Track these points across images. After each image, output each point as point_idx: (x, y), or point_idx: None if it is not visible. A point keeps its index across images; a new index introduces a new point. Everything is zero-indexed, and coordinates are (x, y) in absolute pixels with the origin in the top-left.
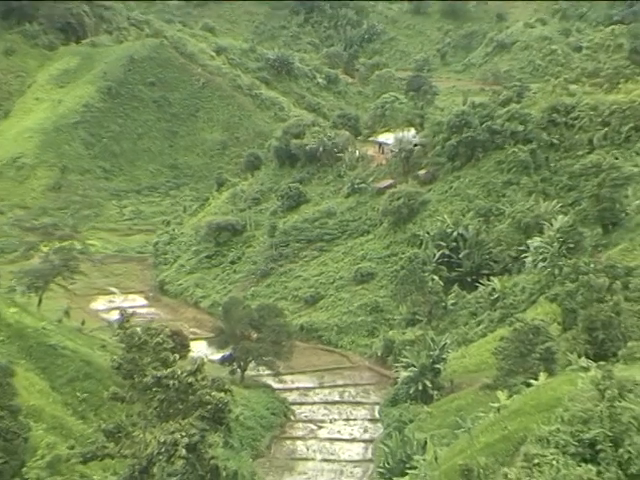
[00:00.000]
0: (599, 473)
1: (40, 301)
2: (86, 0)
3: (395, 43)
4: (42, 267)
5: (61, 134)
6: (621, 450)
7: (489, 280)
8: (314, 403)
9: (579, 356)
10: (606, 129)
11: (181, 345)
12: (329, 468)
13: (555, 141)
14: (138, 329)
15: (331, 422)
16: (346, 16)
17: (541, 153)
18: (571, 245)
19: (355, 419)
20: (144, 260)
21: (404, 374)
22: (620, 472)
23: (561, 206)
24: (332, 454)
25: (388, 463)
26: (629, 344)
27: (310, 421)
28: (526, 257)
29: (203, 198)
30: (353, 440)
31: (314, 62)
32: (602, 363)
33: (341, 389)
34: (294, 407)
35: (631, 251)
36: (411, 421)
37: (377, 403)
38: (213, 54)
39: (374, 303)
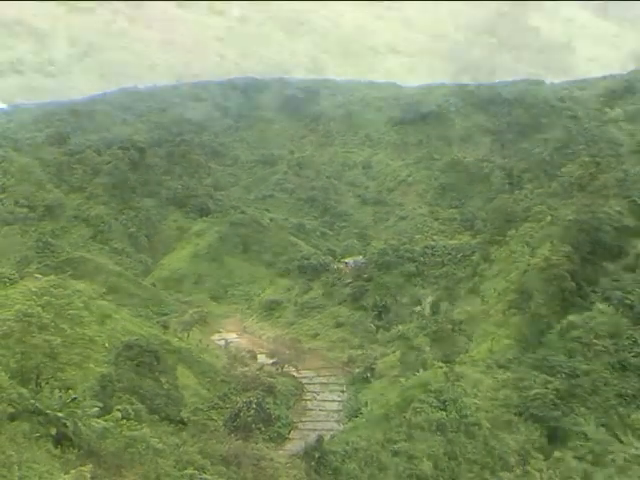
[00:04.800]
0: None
1: (188, 335)
2: None
3: None
4: (189, 319)
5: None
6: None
7: None
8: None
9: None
10: None
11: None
12: (322, 414)
13: None
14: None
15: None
16: None
17: None
18: None
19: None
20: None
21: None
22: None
23: None
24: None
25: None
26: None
27: (311, 392)
28: None
29: None
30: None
31: None
32: (449, 364)
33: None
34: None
35: None
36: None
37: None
38: None
39: None
